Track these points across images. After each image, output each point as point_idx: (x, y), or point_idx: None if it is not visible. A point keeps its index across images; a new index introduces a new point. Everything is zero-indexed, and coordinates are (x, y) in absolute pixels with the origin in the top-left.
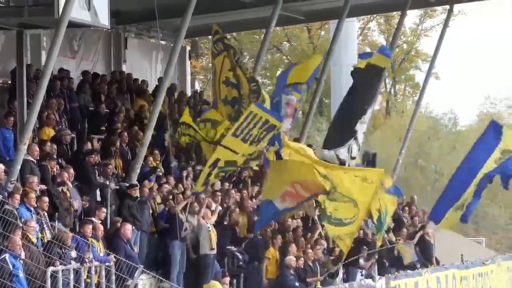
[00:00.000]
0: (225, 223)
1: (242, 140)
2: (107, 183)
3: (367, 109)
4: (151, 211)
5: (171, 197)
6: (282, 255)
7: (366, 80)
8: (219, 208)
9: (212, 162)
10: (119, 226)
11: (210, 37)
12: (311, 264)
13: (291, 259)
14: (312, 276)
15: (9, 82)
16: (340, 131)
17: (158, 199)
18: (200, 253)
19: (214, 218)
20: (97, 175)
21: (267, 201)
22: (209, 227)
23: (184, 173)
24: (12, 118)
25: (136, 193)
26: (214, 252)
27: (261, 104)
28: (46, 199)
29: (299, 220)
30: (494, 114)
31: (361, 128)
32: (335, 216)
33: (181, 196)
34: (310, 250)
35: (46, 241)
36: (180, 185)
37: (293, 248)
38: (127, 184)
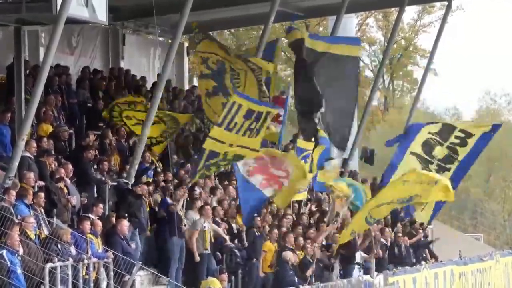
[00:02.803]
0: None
1: (227, 130)
2: (104, 179)
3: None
4: (148, 208)
5: (169, 192)
6: (280, 248)
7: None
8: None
9: (206, 155)
10: (115, 223)
11: (209, 33)
12: (310, 259)
13: (289, 254)
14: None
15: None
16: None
17: (158, 197)
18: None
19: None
20: (93, 171)
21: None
22: (205, 227)
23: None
24: (9, 114)
25: (141, 190)
26: (208, 251)
27: (242, 93)
28: (42, 195)
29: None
30: (494, 110)
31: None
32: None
33: (179, 192)
34: (309, 245)
35: (43, 236)
36: (176, 181)
37: (290, 238)
38: (126, 181)
